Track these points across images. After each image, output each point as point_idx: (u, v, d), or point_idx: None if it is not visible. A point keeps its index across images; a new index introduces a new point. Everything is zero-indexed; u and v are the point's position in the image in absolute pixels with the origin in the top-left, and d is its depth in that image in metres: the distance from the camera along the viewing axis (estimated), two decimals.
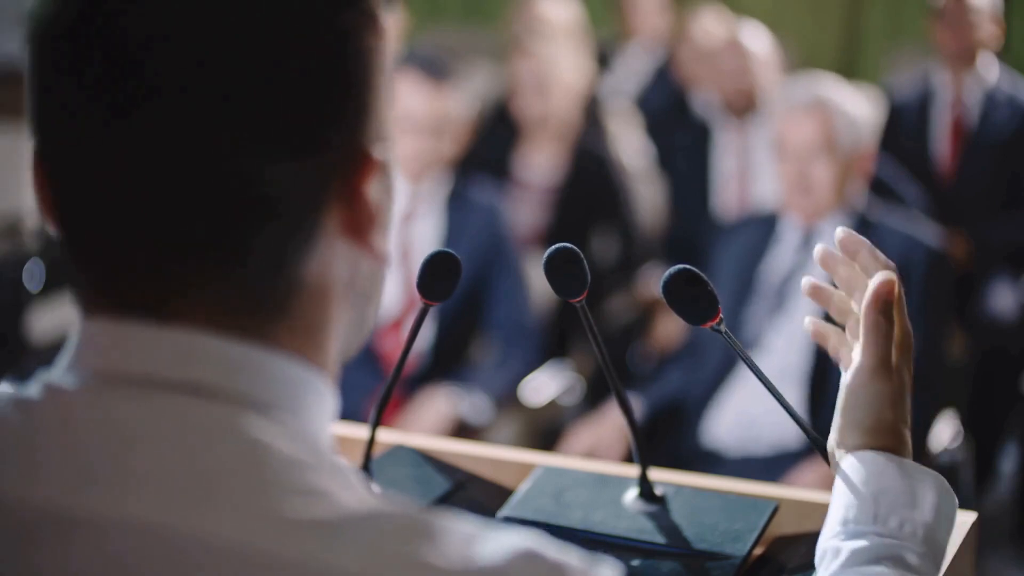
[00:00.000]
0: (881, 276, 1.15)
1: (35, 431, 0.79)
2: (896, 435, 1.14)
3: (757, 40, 4.43)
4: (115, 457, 0.76)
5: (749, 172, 4.33)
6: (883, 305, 1.14)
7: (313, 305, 0.83)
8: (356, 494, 0.76)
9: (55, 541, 0.75)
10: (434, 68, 3.39)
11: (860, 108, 3.13)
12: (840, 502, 1.12)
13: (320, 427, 0.83)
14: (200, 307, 0.79)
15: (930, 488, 1.11)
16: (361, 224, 0.83)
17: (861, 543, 1.08)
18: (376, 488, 0.83)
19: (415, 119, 3.30)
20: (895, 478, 1.10)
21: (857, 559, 1.07)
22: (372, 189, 0.83)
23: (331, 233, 0.82)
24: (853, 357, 1.16)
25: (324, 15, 0.80)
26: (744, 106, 4.33)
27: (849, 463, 1.13)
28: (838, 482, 1.13)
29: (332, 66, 0.80)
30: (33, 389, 0.81)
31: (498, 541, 0.75)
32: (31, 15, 0.81)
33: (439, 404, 3.22)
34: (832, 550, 1.10)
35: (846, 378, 1.16)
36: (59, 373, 0.81)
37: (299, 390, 0.81)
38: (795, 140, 3.07)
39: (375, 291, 0.90)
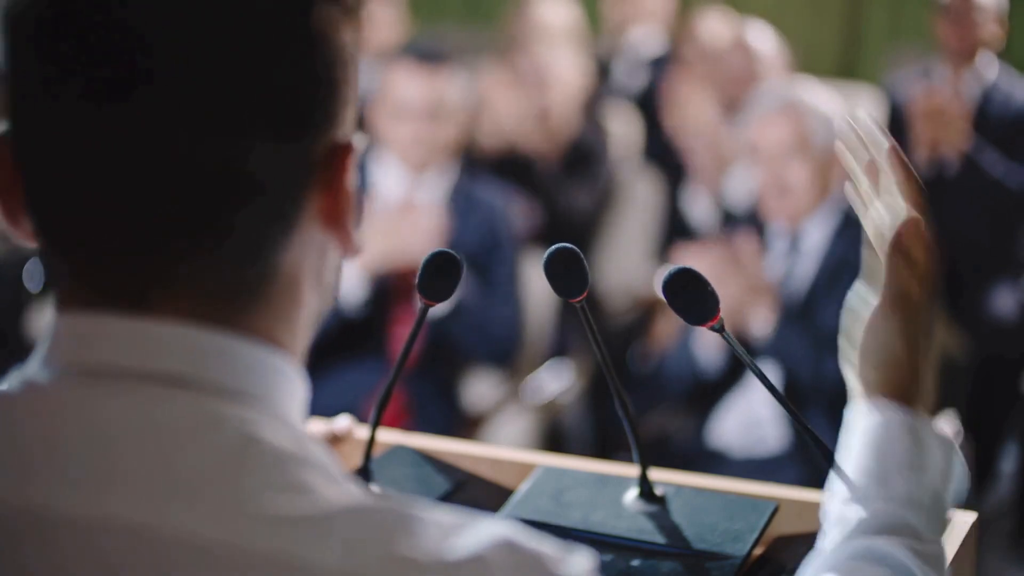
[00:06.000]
0: (906, 216, 1.16)
1: (14, 430, 0.79)
2: (911, 371, 1.15)
3: (764, 41, 4.40)
4: (96, 455, 0.76)
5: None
6: (904, 247, 1.15)
7: (287, 293, 0.84)
8: (339, 488, 0.77)
9: (39, 541, 0.75)
10: (427, 54, 3.38)
11: (835, 106, 3.13)
12: (849, 454, 1.13)
13: (296, 416, 0.84)
14: (177, 294, 0.80)
15: (936, 447, 1.13)
16: (341, 212, 0.85)
17: (866, 514, 1.10)
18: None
19: (411, 105, 3.29)
20: (902, 438, 1.12)
21: (863, 529, 1.09)
22: (350, 177, 0.85)
23: (311, 220, 0.84)
24: (872, 299, 1.17)
25: (311, 6, 0.82)
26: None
27: (862, 412, 1.15)
28: (850, 431, 1.14)
29: (318, 55, 0.82)
30: (9, 387, 0.81)
31: (475, 532, 0.76)
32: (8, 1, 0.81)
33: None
34: (836, 516, 1.12)
35: (865, 315, 1.17)
36: (33, 369, 0.81)
37: (273, 379, 0.82)
38: (767, 143, 3.08)
39: (334, 284, 0.91)
